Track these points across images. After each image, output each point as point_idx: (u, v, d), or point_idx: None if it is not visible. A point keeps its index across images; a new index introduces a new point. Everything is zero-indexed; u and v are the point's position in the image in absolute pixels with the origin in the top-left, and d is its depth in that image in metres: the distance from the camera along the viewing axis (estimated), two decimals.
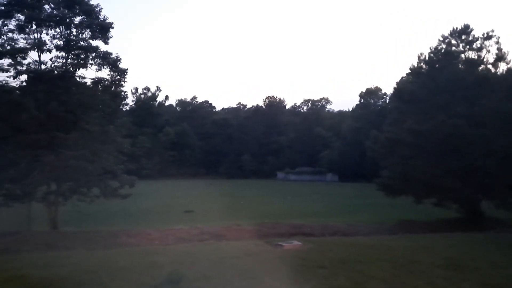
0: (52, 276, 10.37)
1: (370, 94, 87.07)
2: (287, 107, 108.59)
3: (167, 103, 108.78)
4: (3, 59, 19.89)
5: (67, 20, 20.69)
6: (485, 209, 24.27)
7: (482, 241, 17.21)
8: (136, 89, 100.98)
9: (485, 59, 25.17)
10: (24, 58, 20.28)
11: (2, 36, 19.89)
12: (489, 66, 25.14)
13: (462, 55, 25.71)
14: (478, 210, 24.15)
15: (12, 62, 19.96)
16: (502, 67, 25.02)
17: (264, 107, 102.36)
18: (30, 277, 10.30)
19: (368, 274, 10.68)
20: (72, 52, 21.09)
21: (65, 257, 13.17)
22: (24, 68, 20.35)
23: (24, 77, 20.60)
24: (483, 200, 24.24)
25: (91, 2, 20.99)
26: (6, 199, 19.08)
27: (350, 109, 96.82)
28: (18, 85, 20.77)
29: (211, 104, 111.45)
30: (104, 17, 21.19)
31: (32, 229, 19.39)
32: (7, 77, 20.07)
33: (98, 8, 21.00)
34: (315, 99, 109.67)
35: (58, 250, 15.13)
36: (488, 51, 25.08)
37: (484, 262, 12.49)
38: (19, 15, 20.01)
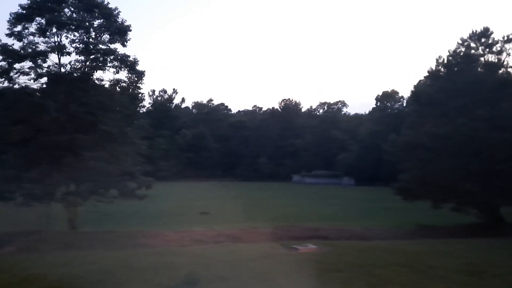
0: (70, 275, 10.51)
1: (387, 97, 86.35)
2: (303, 110, 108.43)
3: (183, 106, 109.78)
4: (24, 62, 20.35)
5: (87, 23, 21.04)
6: (505, 215, 23.81)
7: (502, 247, 16.86)
8: (153, 91, 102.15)
9: (505, 62, 24.85)
10: (45, 61, 20.72)
11: (23, 39, 20.32)
12: (510, 69, 24.81)
13: (482, 58, 25.36)
14: (498, 215, 23.70)
15: (33, 65, 20.37)
16: None
17: (280, 110, 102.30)
18: (49, 275, 10.47)
19: (385, 278, 10.56)
20: (91, 55, 21.41)
21: (83, 256, 13.34)
22: (45, 71, 20.74)
23: (44, 79, 21.05)
24: (503, 205, 23.78)
25: (110, 6, 21.33)
26: (26, 199, 19.44)
27: (367, 112, 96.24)
28: (38, 88, 21.21)
29: (227, 106, 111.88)
30: (122, 20, 21.54)
31: (51, 229, 19.69)
32: (28, 79, 20.51)
33: (116, 12, 21.35)
34: (331, 102, 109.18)
35: (77, 249, 15.34)
36: (508, 55, 24.74)
37: (504, 268, 12.23)
38: (40, 18, 20.42)
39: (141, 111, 35.64)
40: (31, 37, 20.42)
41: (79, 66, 21.40)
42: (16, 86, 20.46)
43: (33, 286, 9.78)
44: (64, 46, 20.77)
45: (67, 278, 10.27)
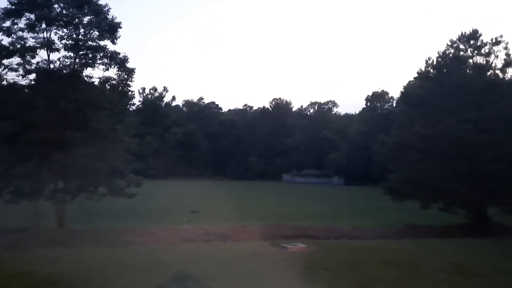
0: (60, 273, 10.46)
1: (377, 98, 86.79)
2: (294, 109, 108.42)
3: (174, 104, 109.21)
4: (13, 58, 20.16)
5: (76, 19, 20.89)
6: (492, 215, 24.10)
7: (488, 247, 17.10)
8: (143, 89, 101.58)
9: (493, 65, 25.08)
10: (33, 57, 20.53)
11: (12, 35, 20.13)
12: (498, 72, 25.05)
13: (470, 60, 25.60)
14: (485, 216, 23.98)
15: (22, 61, 20.19)
16: (511, 72, 24.96)
17: (270, 109, 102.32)
18: (38, 273, 10.41)
19: (373, 277, 10.68)
20: (80, 52, 21.27)
21: (72, 254, 13.30)
22: (33, 67, 20.56)
23: (33, 76, 20.87)
24: (491, 206, 24.07)
25: (100, 2, 21.21)
26: (14, 196, 19.27)
27: (357, 112, 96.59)
28: (27, 84, 21.00)
29: (217, 105, 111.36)
30: (113, 17, 21.40)
31: (40, 226, 19.54)
32: (17, 75, 20.33)
33: (107, 8, 21.19)
34: (321, 102, 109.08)
35: (66, 247, 15.27)
36: (497, 57, 25.00)
37: (490, 268, 12.42)
38: (29, 14, 20.24)
39: (131, 109, 35.59)
40: (20, 33, 20.24)
41: (69, 62, 21.24)
42: (4, 82, 20.30)
43: (21, 284, 9.71)
44: (53, 42, 20.61)
45: (57, 275, 10.22)
